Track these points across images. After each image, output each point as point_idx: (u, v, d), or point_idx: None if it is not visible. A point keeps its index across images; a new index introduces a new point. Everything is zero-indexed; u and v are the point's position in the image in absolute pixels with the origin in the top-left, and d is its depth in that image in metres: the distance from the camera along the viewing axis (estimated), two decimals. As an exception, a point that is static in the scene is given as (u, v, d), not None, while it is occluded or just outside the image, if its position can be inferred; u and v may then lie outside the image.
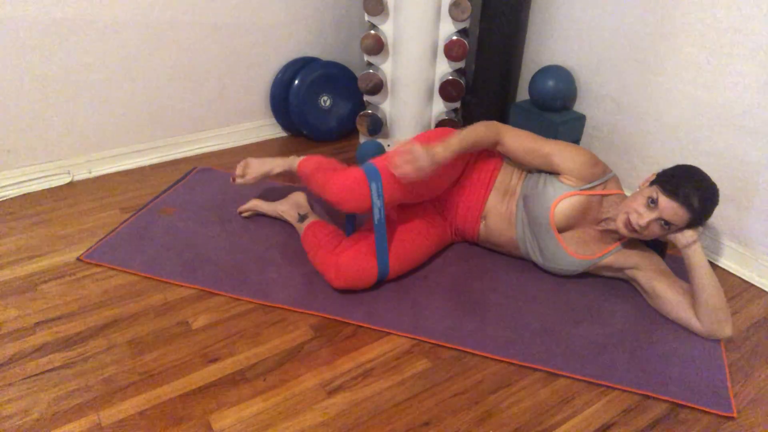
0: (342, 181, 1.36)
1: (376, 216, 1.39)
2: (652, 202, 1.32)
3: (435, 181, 1.47)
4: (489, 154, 1.61)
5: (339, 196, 1.36)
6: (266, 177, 1.69)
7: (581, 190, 1.44)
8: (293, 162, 1.64)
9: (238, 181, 1.69)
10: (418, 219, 1.55)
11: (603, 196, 1.47)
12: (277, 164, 1.68)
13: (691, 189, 1.28)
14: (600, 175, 1.45)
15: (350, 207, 1.36)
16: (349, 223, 1.58)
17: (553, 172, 1.48)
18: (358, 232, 1.50)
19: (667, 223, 1.32)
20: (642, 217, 1.33)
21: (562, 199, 1.44)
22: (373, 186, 1.36)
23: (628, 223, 1.35)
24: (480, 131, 1.46)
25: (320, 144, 2.31)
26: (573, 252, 1.49)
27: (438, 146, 1.36)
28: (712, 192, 1.31)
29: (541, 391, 1.24)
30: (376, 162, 1.40)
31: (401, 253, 1.48)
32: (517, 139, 1.49)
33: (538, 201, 1.46)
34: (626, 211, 1.36)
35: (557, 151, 1.45)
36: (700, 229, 1.35)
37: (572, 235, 1.50)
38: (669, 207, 1.30)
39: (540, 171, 1.52)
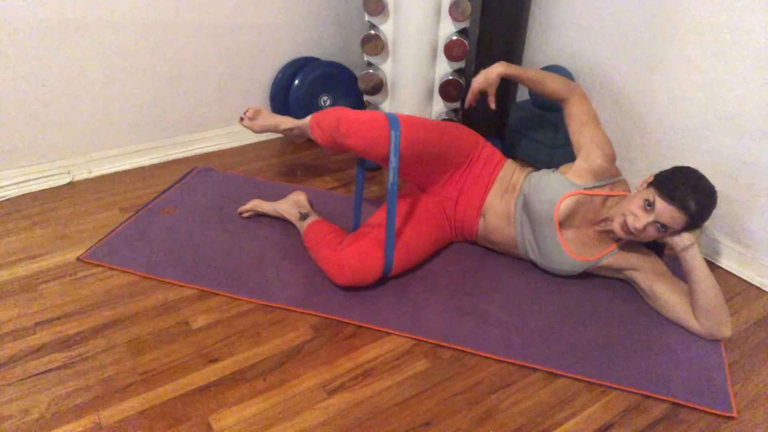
0: (361, 115, 1.37)
1: (390, 178, 1.38)
2: (649, 205, 1.31)
3: (442, 154, 1.50)
4: (494, 150, 1.61)
5: (356, 126, 1.35)
6: (272, 130, 1.74)
7: (587, 189, 1.44)
8: (305, 119, 1.65)
9: (245, 123, 1.74)
10: (419, 215, 1.55)
11: (607, 196, 1.46)
12: (285, 121, 1.71)
13: (688, 192, 1.27)
14: (611, 175, 1.45)
15: (365, 140, 1.34)
16: (359, 169, 1.56)
17: (560, 166, 1.49)
18: (359, 230, 1.50)
19: (663, 226, 1.30)
20: (638, 219, 1.32)
21: (569, 196, 1.44)
22: (393, 133, 1.36)
23: (624, 225, 1.35)
24: (557, 80, 1.57)
25: (320, 144, 2.31)
26: (572, 253, 1.49)
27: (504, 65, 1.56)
28: (710, 195, 1.29)
29: (541, 391, 1.24)
30: (396, 114, 1.43)
31: (404, 246, 1.48)
32: (582, 108, 1.54)
33: (543, 195, 1.45)
34: (623, 213, 1.35)
35: (595, 141, 1.48)
36: (698, 232, 1.34)
37: (571, 235, 1.49)
38: (665, 210, 1.28)
39: (543, 169, 1.52)
